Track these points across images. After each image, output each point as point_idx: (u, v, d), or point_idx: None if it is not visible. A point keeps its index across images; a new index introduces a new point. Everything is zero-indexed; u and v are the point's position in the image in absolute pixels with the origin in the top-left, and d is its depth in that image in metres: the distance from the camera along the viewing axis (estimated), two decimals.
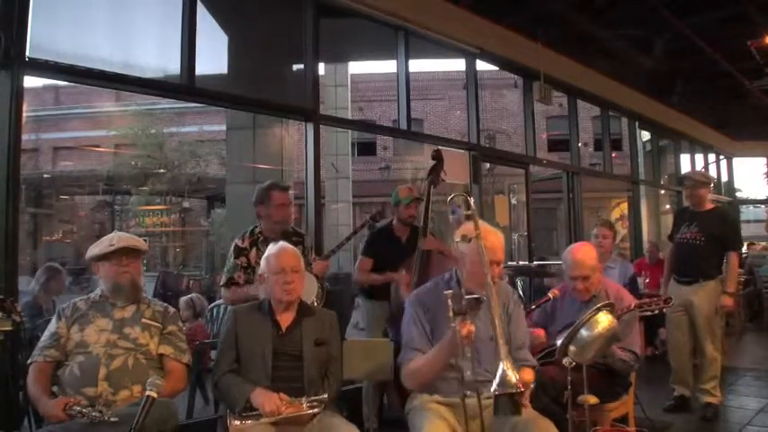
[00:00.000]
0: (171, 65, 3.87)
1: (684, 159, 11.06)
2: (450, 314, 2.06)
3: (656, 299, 2.92)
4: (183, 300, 5.21)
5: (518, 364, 2.28)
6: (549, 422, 2.25)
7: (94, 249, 2.49)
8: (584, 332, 2.37)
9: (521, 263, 8.38)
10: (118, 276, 2.45)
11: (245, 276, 3.18)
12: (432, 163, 3.94)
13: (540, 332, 3.01)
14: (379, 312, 3.79)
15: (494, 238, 2.37)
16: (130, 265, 2.48)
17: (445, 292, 2.12)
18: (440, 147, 4.44)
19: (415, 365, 2.34)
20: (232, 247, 3.29)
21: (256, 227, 3.35)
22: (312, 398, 2.34)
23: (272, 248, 2.58)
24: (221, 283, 3.31)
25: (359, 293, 4.12)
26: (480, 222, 2.29)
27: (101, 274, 2.49)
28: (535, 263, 6.88)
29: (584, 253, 2.97)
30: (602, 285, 3.02)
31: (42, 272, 4.55)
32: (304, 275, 2.65)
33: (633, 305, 2.83)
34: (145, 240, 2.94)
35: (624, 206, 13.16)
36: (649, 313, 2.90)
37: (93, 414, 2.12)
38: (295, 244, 3.13)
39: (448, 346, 2.19)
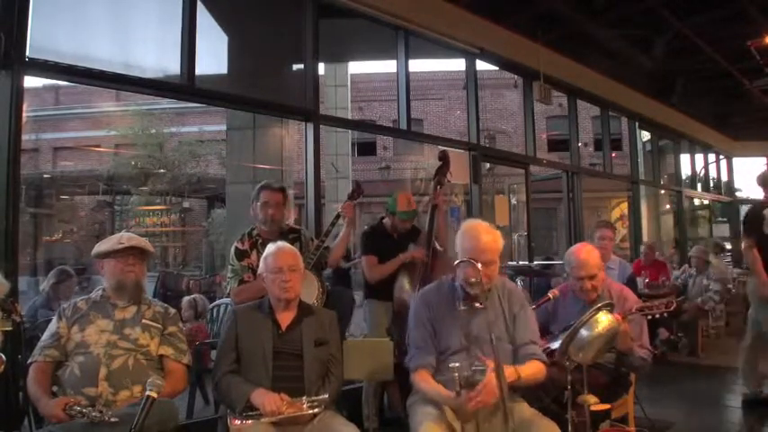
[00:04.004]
0: (171, 65, 3.88)
1: (684, 159, 11.08)
2: (458, 388, 2.08)
3: (657, 302, 2.92)
4: (185, 299, 5.21)
5: (524, 360, 2.33)
6: (552, 422, 2.25)
7: (102, 246, 2.49)
8: (584, 332, 2.37)
9: (521, 263, 8.38)
10: (123, 274, 2.45)
11: (254, 278, 3.17)
12: (438, 164, 3.96)
13: None
14: (382, 312, 3.79)
15: (486, 238, 2.37)
16: (136, 265, 2.48)
17: (451, 365, 2.12)
18: (445, 148, 4.47)
19: (422, 383, 2.33)
20: (233, 251, 3.27)
21: (253, 229, 3.34)
22: (312, 398, 2.33)
23: (270, 248, 2.59)
24: (231, 286, 3.25)
25: (363, 293, 4.09)
26: (476, 221, 2.50)
27: (105, 270, 2.49)
28: (541, 262, 6.87)
29: (587, 253, 2.98)
30: (606, 285, 3.03)
31: (53, 274, 4.54)
32: (302, 274, 2.65)
33: (634, 308, 2.83)
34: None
35: (624, 206, 13.17)
36: (650, 317, 2.90)
37: (94, 414, 2.11)
38: (292, 241, 3.14)
39: (451, 403, 2.19)
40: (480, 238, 2.36)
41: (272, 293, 2.52)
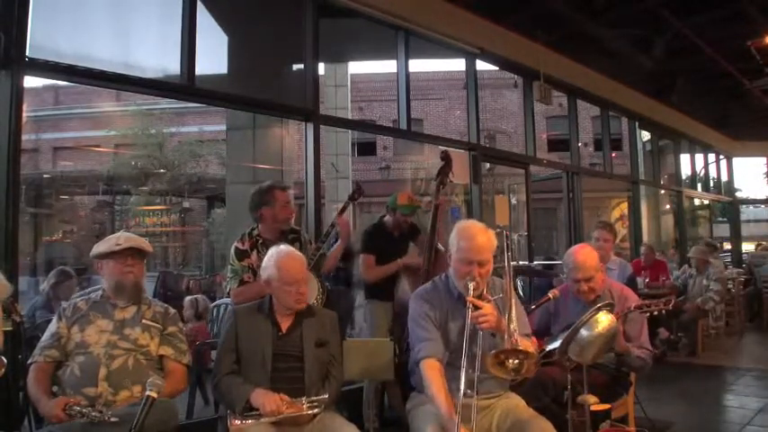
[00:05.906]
0: (171, 65, 3.88)
1: (684, 159, 11.09)
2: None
3: (655, 301, 2.93)
4: (187, 299, 5.23)
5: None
6: (548, 422, 2.24)
7: (100, 247, 2.48)
8: (584, 332, 2.37)
9: (521, 263, 8.38)
10: (122, 275, 2.44)
11: (254, 278, 3.17)
12: (441, 164, 3.96)
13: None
14: (383, 313, 3.79)
15: (482, 237, 2.36)
16: (135, 265, 2.48)
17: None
18: (447, 148, 4.48)
19: (429, 372, 2.27)
20: (233, 251, 3.26)
21: (254, 229, 3.34)
22: (312, 398, 2.33)
23: (280, 255, 2.51)
24: (231, 286, 3.25)
25: (364, 294, 4.10)
26: (471, 221, 2.53)
27: (104, 272, 2.48)
28: (543, 262, 6.86)
29: (585, 255, 2.97)
30: (606, 285, 3.02)
31: (53, 274, 4.54)
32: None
33: (633, 306, 2.83)
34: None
35: (624, 206, 13.16)
36: (648, 314, 2.90)
37: (94, 414, 2.11)
38: (292, 241, 3.15)
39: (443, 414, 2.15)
40: (476, 237, 2.35)
41: (284, 303, 2.49)
